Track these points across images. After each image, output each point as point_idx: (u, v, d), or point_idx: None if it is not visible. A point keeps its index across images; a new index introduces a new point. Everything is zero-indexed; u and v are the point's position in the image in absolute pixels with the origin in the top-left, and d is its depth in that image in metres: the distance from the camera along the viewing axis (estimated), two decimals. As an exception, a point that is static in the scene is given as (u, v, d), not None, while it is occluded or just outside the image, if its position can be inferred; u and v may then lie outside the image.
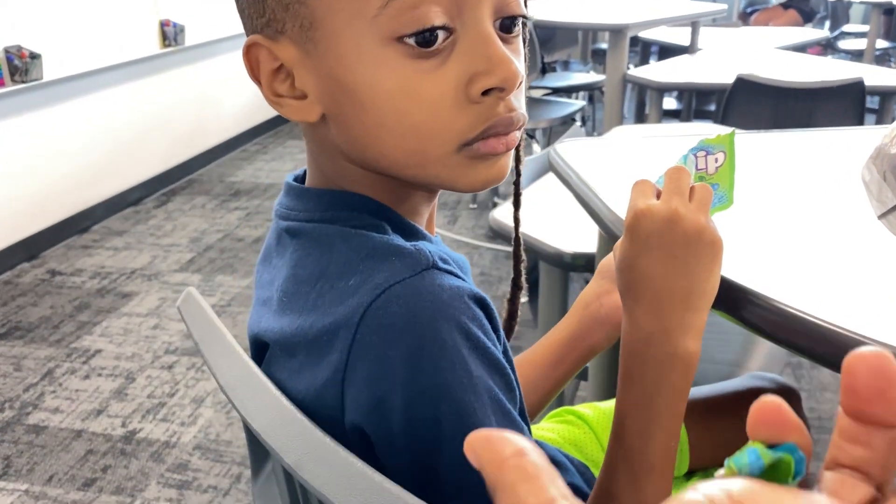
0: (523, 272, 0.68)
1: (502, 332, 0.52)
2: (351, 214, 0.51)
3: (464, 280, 0.48)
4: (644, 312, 0.57)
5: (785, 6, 6.13)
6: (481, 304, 0.48)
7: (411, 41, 0.45)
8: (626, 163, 1.04)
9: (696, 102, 3.42)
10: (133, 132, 3.51)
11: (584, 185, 0.90)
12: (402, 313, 0.44)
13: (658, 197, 0.59)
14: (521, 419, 0.49)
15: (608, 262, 0.77)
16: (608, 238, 1.02)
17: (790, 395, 0.92)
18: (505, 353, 0.51)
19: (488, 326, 0.48)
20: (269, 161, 4.22)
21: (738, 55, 3.05)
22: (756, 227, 0.79)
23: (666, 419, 0.58)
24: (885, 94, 2.48)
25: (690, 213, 0.56)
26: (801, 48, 3.48)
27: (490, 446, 0.22)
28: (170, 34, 3.60)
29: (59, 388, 2.10)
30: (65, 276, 2.80)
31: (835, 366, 0.61)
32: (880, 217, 0.68)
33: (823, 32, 4.24)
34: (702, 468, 0.85)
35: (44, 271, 2.83)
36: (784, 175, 1.01)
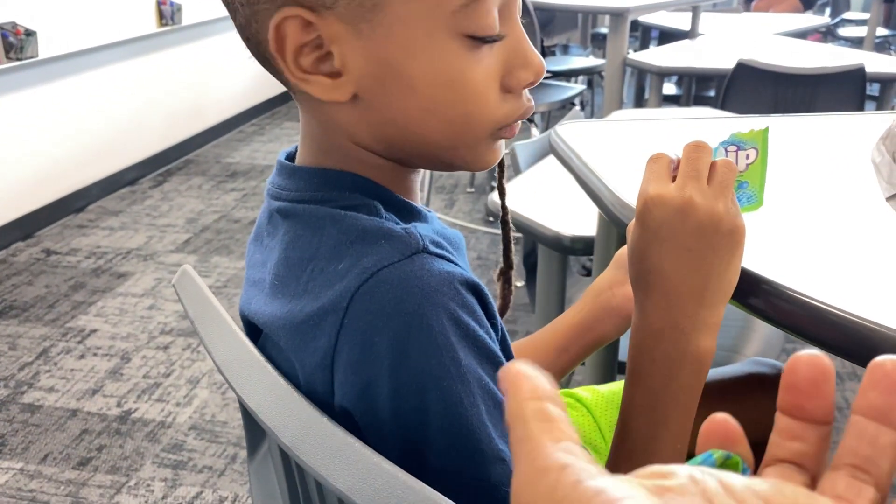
0: (513, 257, 0.67)
1: (499, 319, 0.50)
2: (342, 194, 0.50)
3: (456, 263, 0.48)
4: (654, 307, 0.55)
5: (786, -8, 6.09)
6: (474, 289, 0.47)
7: (474, 40, 0.47)
8: (628, 145, 1.03)
9: (696, 88, 3.41)
10: (129, 112, 3.49)
11: (585, 168, 0.89)
12: (389, 298, 0.44)
13: (675, 178, 0.55)
14: None
15: (624, 252, 0.76)
16: (608, 222, 1.02)
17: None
18: (503, 340, 0.50)
19: (480, 313, 0.47)
20: (265, 142, 4.20)
21: (739, 41, 3.03)
22: (761, 211, 0.78)
23: (674, 420, 0.56)
24: (886, 82, 2.47)
25: (707, 201, 0.53)
26: (802, 35, 3.47)
27: (516, 381, 0.23)
28: (167, 13, 3.56)
29: (55, 367, 2.10)
30: (60, 255, 2.78)
31: (844, 353, 0.60)
32: (889, 199, 0.67)
33: (824, 19, 4.22)
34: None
35: (39, 250, 2.82)
36: (787, 160, 1.00)
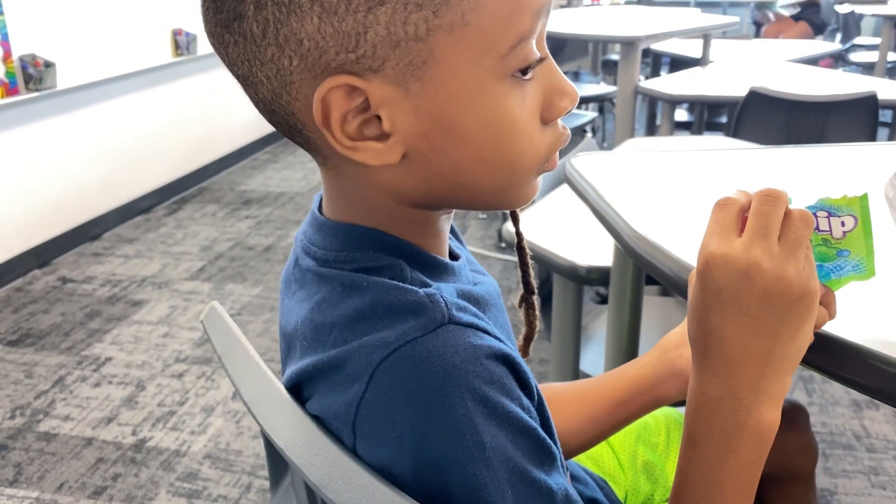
0: (533, 282, 0.65)
1: (534, 383, 0.49)
2: (367, 254, 0.49)
3: (486, 330, 0.46)
4: (712, 373, 0.51)
5: (796, 18, 6.12)
6: (503, 360, 0.45)
7: (518, 73, 0.46)
8: (643, 177, 1.04)
9: (708, 114, 3.42)
10: (145, 140, 3.53)
11: (601, 200, 0.90)
12: (410, 377, 0.43)
13: (742, 227, 0.51)
14: (558, 467, 0.47)
15: None
16: (624, 253, 1.02)
17: (797, 412, 0.90)
18: (539, 405, 0.48)
19: (511, 385, 0.45)
20: (279, 170, 4.23)
21: (750, 68, 3.04)
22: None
23: (731, 495, 0.52)
24: (898, 108, 2.48)
25: (775, 264, 0.49)
26: (813, 61, 3.48)
27: None
28: (182, 43, 3.62)
29: (70, 395, 2.11)
30: (76, 283, 2.81)
31: (860, 387, 0.60)
32: (902, 236, 0.68)
33: (835, 45, 4.23)
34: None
35: (55, 278, 2.85)
36: (803, 190, 1.00)
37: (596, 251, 1.21)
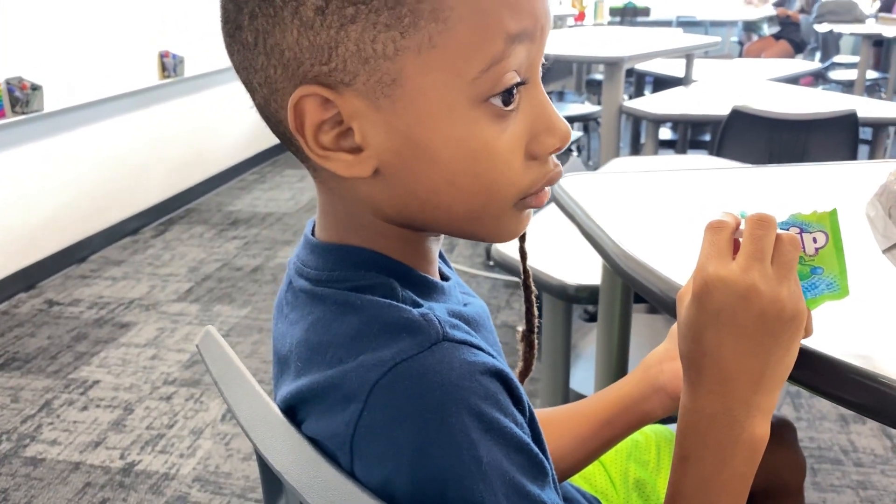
0: (535, 321, 0.66)
1: (526, 401, 0.49)
2: (358, 273, 0.50)
3: (478, 345, 0.47)
4: (707, 391, 0.53)
5: (777, 37, 6.22)
6: (498, 376, 0.46)
7: (497, 101, 0.47)
8: (630, 197, 1.06)
9: (691, 133, 3.46)
10: (132, 162, 3.53)
11: (589, 220, 0.91)
12: (408, 394, 0.43)
13: (735, 248, 0.53)
14: (551, 483, 0.48)
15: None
16: (613, 272, 1.03)
17: (785, 427, 0.91)
18: (531, 420, 0.49)
19: (506, 402, 0.46)
20: (266, 190, 4.23)
21: (732, 87, 3.09)
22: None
23: None
24: (878, 126, 2.51)
25: (771, 287, 0.51)
26: (794, 80, 3.53)
27: None
28: (169, 65, 3.63)
29: (57, 419, 2.09)
30: (62, 306, 2.79)
31: (842, 402, 0.61)
32: (885, 251, 0.69)
33: (815, 64, 4.30)
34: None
35: (41, 301, 2.83)
36: (785, 209, 1.02)
37: (584, 270, 1.22)
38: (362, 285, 0.50)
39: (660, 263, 0.81)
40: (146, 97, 3.58)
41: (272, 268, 3.12)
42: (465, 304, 0.56)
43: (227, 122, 4.30)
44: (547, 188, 0.52)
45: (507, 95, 0.47)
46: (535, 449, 0.47)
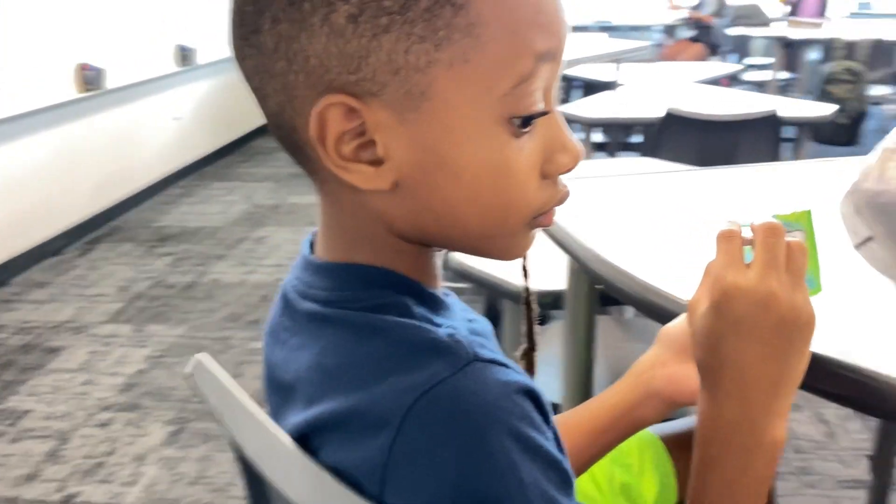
0: (536, 338, 0.65)
1: (552, 417, 0.49)
2: (372, 293, 0.49)
3: (506, 363, 0.46)
4: (728, 398, 0.54)
5: (693, 40, 6.42)
6: (530, 395, 0.45)
7: (517, 121, 0.46)
8: (592, 201, 1.07)
9: (621, 136, 3.53)
10: (52, 180, 3.38)
11: (556, 227, 0.92)
12: (445, 418, 0.42)
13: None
14: (574, 492, 0.48)
15: (670, 331, 0.74)
16: (579, 274, 1.04)
17: None
18: (556, 438, 0.49)
19: (538, 418, 0.45)
20: (194, 204, 4.12)
21: (659, 90, 3.16)
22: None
23: None
24: (799, 124, 2.62)
25: (787, 294, 0.52)
26: (715, 81, 3.65)
27: None
28: (89, 78, 3.49)
29: (-14, 453, 1.98)
30: (-16, 333, 2.65)
31: (822, 393, 0.62)
32: (856, 247, 0.71)
33: (734, 66, 4.49)
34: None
35: (-40, 329, 2.68)
36: (719, 210, 1.05)
37: (543, 275, 1.23)
38: (377, 305, 0.48)
39: (631, 265, 0.82)
40: (65, 111, 3.43)
41: (205, 284, 3.03)
42: (470, 320, 0.55)
43: (151, 136, 4.18)
44: (555, 208, 0.51)
45: (527, 121, 0.47)
46: (566, 463, 0.46)
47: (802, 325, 0.53)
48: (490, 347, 0.47)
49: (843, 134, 4.68)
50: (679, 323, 0.73)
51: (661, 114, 2.47)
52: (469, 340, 0.46)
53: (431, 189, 0.47)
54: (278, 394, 0.54)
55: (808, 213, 0.58)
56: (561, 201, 0.51)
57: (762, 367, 0.53)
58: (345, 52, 0.44)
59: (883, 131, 4.57)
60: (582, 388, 1.09)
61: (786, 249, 0.53)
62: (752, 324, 0.52)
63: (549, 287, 1.19)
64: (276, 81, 0.46)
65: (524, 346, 0.64)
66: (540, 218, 0.50)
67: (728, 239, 0.55)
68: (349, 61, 0.44)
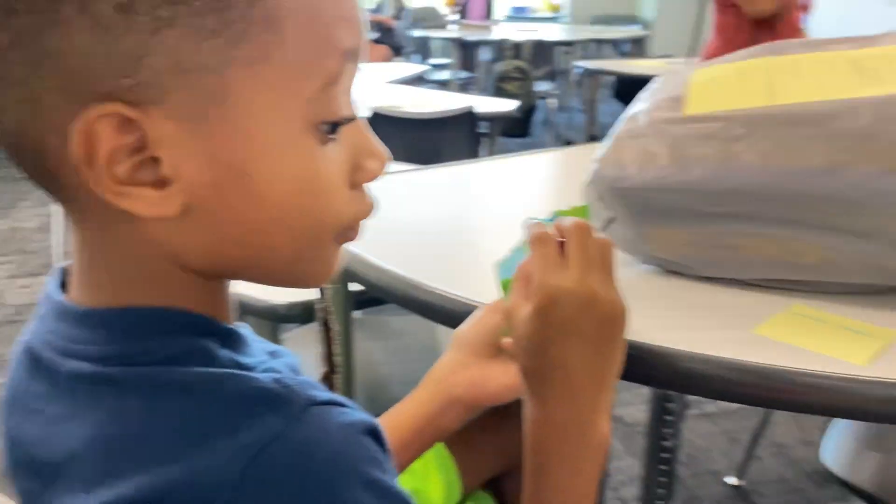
0: (337, 359, 0.61)
1: (389, 447, 0.45)
2: (163, 341, 0.41)
3: (342, 402, 0.42)
4: (558, 401, 0.55)
5: (377, 42, 6.64)
6: (372, 433, 0.42)
7: (326, 127, 0.41)
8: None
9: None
10: None
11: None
12: (288, 477, 0.37)
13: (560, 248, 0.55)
14: None
15: (464, 334, 0.72)
16: (338, 280, 1.01)
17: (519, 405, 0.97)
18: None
19: (384, 458, 0.42)
20: None
21: (357, 92, 3.21)
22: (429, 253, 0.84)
23: None
24: (491, 119, 2.83)
25: (606, 291, 0.54)
26: (407, 81, 3.80)
27: None
28: None
29: None
30: None
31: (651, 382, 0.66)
32: (602, 230, 0.77)
33: (422, 66, 4.74)
34: (471, 492, 0.87)
35: None
36: (503, 201, 1.09)
37: (283, 289, 1.17)
38: (172, 355, 0.40)
39: (396, 264, 0.82)
40: None
41: None
42: (272, 353, 0.50)
43: None
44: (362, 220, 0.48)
45: (335, 126, 0.43)
46: (411, 498, 0.43)
47: (619, 319, 0.55)
48: (318, 385, 0.42)
49: (517, 127, 5.17)
50: (472, 324, 0.72)
51: (367, 115, 2.51)
52: (298, 383, 0.40)
53: (232, 212, 0.40)
54: (36, 478, 0.43)
55: (586, 207, 0.61)
56: (370, 212, 0.47)
57: (590, 365, 0.54)
58: (115, 50, 0.36)
59: (548, 123, 5.15)
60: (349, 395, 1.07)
61: (596, 247, 0.55)
62: (577, 324, 0.53)
63: (297, 298, 1.14)
64: (16, 91, 0.37)
65: (324, 370, 0.60)
66: (349, 232, 0.46)
67: (543, 242, 0.55)
68: (122, 62, 0.36)
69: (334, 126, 0.43)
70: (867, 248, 0.66)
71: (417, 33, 6.47)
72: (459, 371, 0.70)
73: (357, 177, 0.45)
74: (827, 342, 0.63)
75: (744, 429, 2.17)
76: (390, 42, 6.62)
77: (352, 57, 0.43)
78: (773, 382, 0.59)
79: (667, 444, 1.44)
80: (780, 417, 2.22)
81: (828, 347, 0.62)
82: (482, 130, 2.82)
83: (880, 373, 0.58)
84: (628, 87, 3.44)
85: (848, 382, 0.58)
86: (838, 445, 1.08)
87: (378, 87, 3.33)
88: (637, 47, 6.27)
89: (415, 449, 0.71)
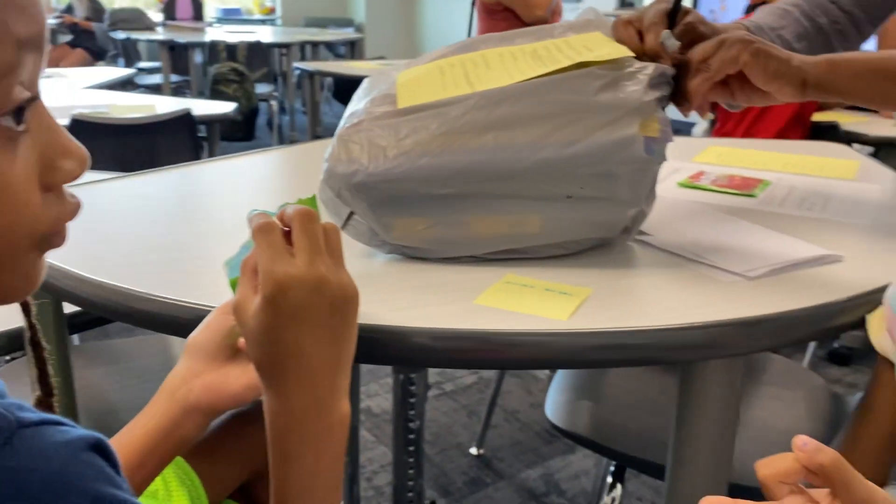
0: (53, 381, 0.54)
1: (119, 462, 0.42)
2: None
3: (58, 420, 0.38)
4: (296, 388, 0.54)
5: (73, 45, 6.08)
6: (98, 448, 0.39)
7: (8, 120, 0.38)
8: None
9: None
10: None
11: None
12: None
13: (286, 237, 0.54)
14: None
15: (197, 340, 0.68)
16: (44, 296, 0.91)
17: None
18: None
19: (113, 473, 0.39)
20: None
21: (52, 99, 2.93)
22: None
23: (330, 492, 0.56)
24: (210, 122, 2.73)
25: (335, 275, 0.55)
26: (110, 86, 3.54)
27: None
28: None
29: None
30: None
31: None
32: (343, 228, 0.78)
33: (126, 70, 4.41)
34: (220, 502, 0.84)
35: None
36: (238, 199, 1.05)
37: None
38: None
39: (115, 278, 0.77)
40: None
41: None
42: None
43: None
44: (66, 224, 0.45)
45: (19, 114, 0.39)
46: None
47: (350, 300, 0.56)
48: (28, 406, 0.38)
49: (240, 130, 5.05)
50: (203, 329, 0.69)
51: (65, 122, 2.30)
52: (3, 406, 0.37)
53: None
54: None
55: (314, 197, 0.62)
56: (73, 215, 0.44)
57: (324, 349, 0.55)
58: None
59: (271, 125, 5.10)
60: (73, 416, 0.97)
61: (322, 233, 0.56)
62: (309, 310, 0.53)
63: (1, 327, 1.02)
64: None
65: (37, 393, 0.54)
66: (53, 238, 0.43)
67: (268, 231, 0.55)
68: None
69: (18, 116, 0.39)
70: (579, 209, 0.76)
71: (122, 36, 6.04)
72: (194, 378, 0.68)
73: (51, 178, 0.42)
74: (534, 304, 0.70)
75: (480, 401, 2.33)
76: (90, 45, 6.10)
77: (30, 46, 0.39)
78: (490, 345, 0.65)
79: (413, 425, 1.50)
80: (511, 386, 2.41)
81: (535, 308, 0.69)
82: (202, 135, 2.72)
83: (579, 325, 0.66)
84: (347, 88, 3.51)
85: (552, 336, 0.65)
86: (557, 400, 1.20)
87: (76, 93, 3.06)
88: (352, 49, 6.42)
89: (153, 465, 0.67)
